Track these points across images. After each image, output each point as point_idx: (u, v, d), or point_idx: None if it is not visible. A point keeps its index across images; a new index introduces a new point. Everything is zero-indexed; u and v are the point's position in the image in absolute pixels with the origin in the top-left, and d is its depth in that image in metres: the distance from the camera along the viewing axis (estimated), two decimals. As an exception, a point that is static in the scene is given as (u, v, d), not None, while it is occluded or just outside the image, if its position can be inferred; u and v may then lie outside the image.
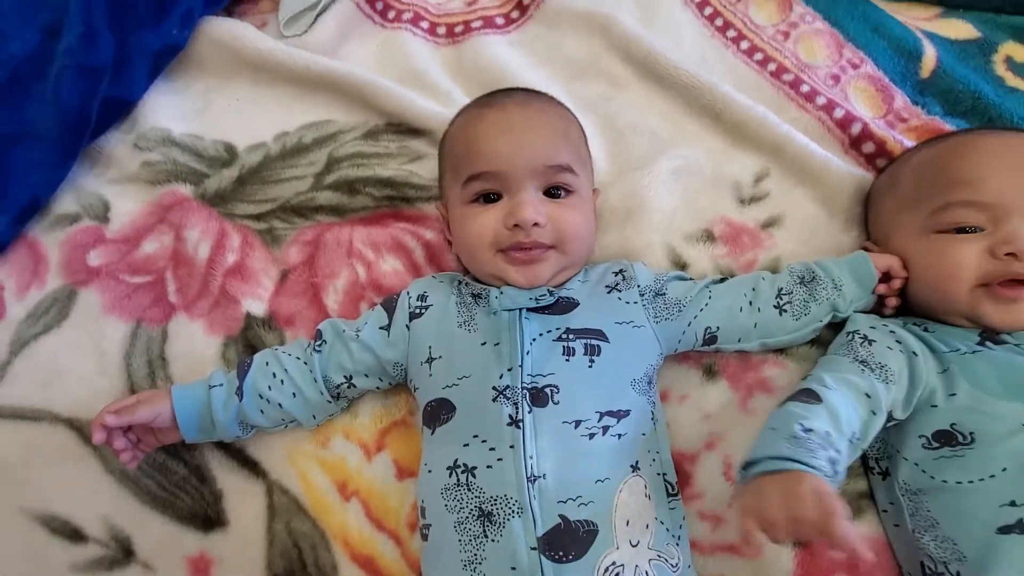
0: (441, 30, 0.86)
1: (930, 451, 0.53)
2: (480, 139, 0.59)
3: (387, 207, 0.72)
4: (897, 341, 0.56)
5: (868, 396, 0.53)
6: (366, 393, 0.63)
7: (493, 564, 0.48)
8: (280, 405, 0.57)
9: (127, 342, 0.66)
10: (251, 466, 0.61)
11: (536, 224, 0.56)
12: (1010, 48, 0.85)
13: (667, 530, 0.53)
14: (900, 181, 0.66)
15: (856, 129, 0.76)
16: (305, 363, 0.59)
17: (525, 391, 0.52)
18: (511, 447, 0.50)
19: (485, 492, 0.49)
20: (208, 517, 0.60)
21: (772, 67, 0.83)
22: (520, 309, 0.56)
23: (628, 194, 0.72)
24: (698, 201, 0.73)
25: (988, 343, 0.54)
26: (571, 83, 0.82)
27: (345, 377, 0.59)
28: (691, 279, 0.65)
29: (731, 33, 0.86)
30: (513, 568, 0.47)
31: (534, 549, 0.47)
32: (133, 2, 0.73)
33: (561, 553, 0.46)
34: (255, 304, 0.67)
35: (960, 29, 0.87)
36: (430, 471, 0.54)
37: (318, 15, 0.82)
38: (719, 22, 0.87)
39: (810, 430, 0.48)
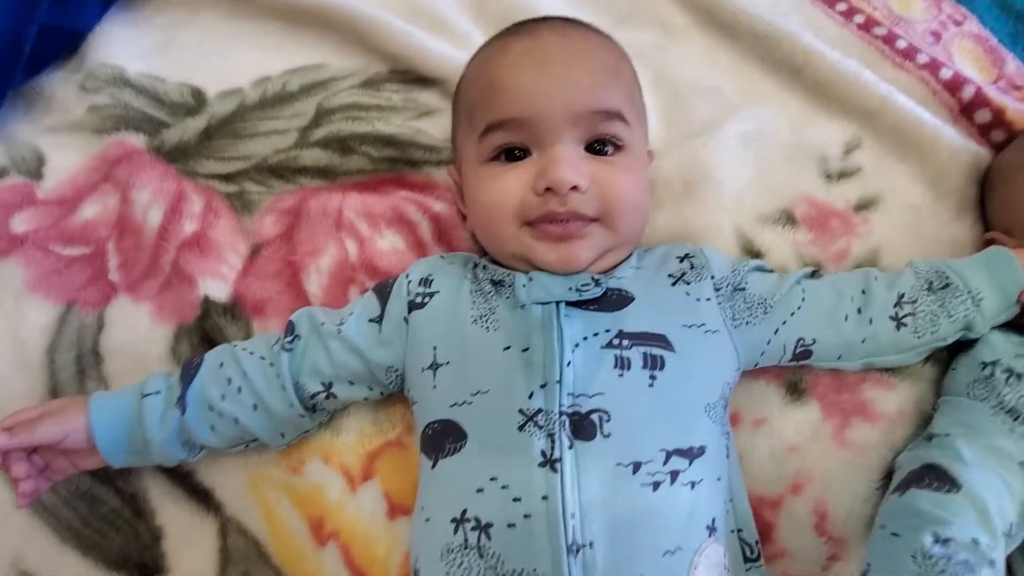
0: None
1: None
2: (503, 75, 0.44)
3: (387, 171, 0.58)
4: None
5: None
6: (352, 405, 0.49)
7: None
8: (236, 420, 0.44)
9: (53, 330, 0.52)
10: (201, 496, 0.47)
11: (575, 188, 0.42)
12: None
13: None
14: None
15: (968, 93, 0.61)
16: (271, 365, 0.45)
17: (564, 417, 0.38)
18: (544, 498, 0.36)
19: (505, 563, 0.35)
20: (143, 562, 0.47)
21: (859, 19, 0.68)
22: (557, 303, 0.42)
23: (687, 164, 0.58)
24: (775, 174, 0.59)
25: None
26: (615, 29, 0.64)
27: (323, 384, 0.45)
28: (774, 272, 0.51)
29: (809, -22, 0.72)
30: None
31: None
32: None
33: None
34: (216, 286, 0.52)
35: (1082, -16, 0.73)
36: (428, 520, 0.40)
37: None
38: (795, -34, 0.73)
39: (948, 541, 0.35)
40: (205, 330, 0.51)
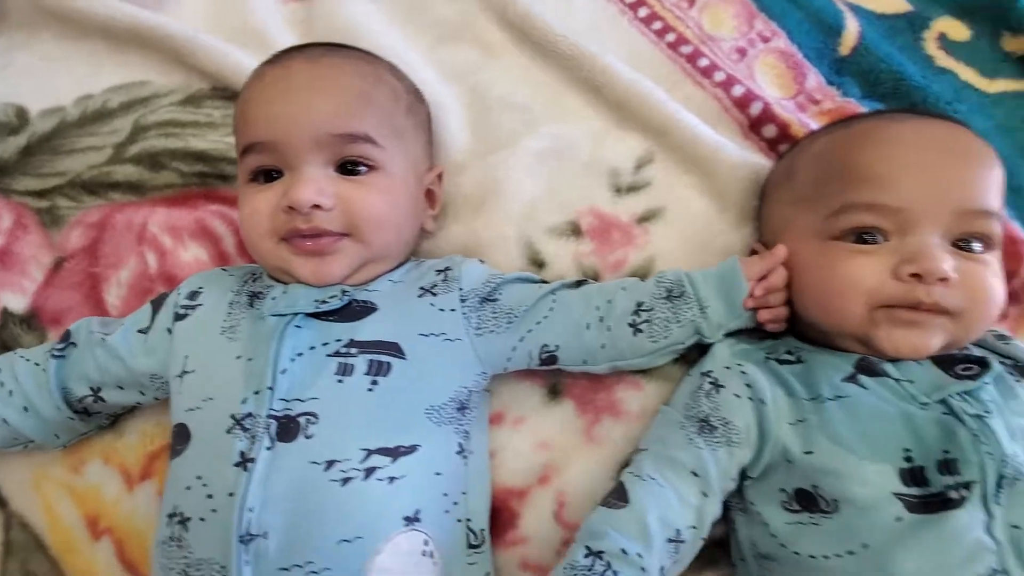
0: (294, -17, 0.75)
1: (790, 513, 0.43)
2: (254, 102, 0.48)
3: (197, 186, 0.61)
4: (747, 385, 0.46)
5: (696, 475, 0.44)
6: (137, 408, 0.52)
7: None
8: (5, 421, 0.47)
9: None
10: (-19, 494, 0.51)
11: (318, 207, 0.45)
12: (945, 24, 0.75)
13: None
14: (797, 172, 0.55)
15: (756, 109, 0.65)
16: (44, 370, 0.48)
17: (272, 420, 0.41)
18: (230, 494, 0.39)
19: (193, 553, 0.39)
20: None
21: (670, 37, 0.72)
22: (294, 315, 0.46)
23: (485, 179, 0.62)
24: (568, 189, 0.63)
25: (862, 375, 0.44)
26: (437, 48, 0.71)
27: (91, 389, 0.48)
28: (539, 281, 0.54)
29: (630, -1, 0.75)
30: None
31: None
32: None
33: None
34: (15, 298, 0.56)
35: (890, 2, 0.77)
36: (161, 516, 0.43)
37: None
38: (618, -15, 0.77)
39: (600, 553, 0.39)
40: (3, 340, 0.55)
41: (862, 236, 0.46)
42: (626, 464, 0.50)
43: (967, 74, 0.71)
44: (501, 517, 0.51)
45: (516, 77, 0.69)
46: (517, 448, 0.53)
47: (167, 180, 0.61)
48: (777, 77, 0.71)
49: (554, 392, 0.54)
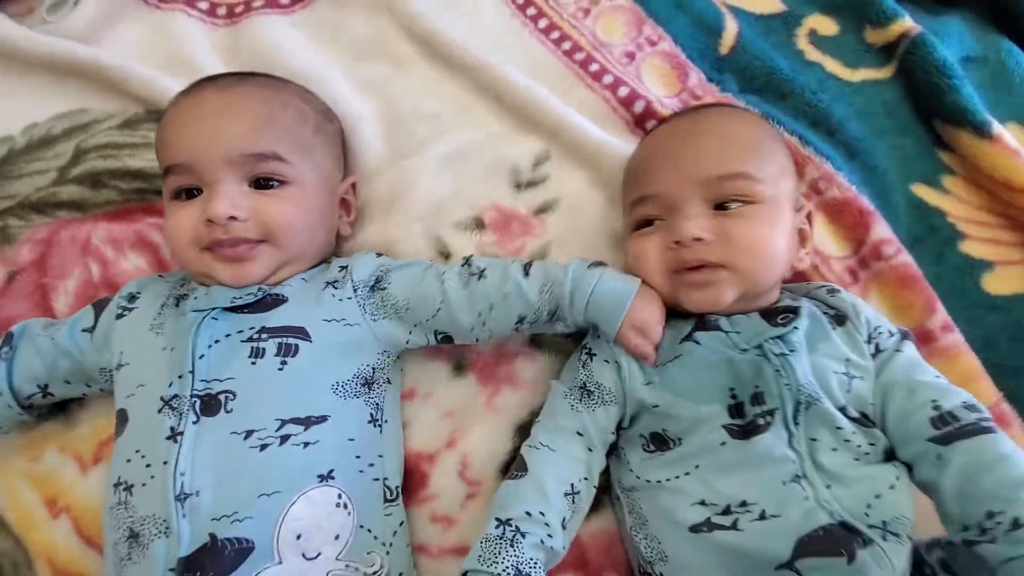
0: (221, 11, 0.81)
1: (646, 452, 0.51)
2: (170, 128, 0.55)
3: (136, 201, 0.68)
4: (612, 351, 0.54)
5: (580, 435, 0.52)
6: (88, 401, 0.59)
7: None
8: None
9: None
10: (-53, 483, 0.57)
11: (234, 218, 0.52)
12: (815, 21, 0.83)
13: (375, 538, 0.50)
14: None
15: (639, 108, 0.73)
16: None
17: (196, 399, 0.48)
18: (165, 463, 0.46)
19: (137, 512, 0.46)
20: None
21: (567, 46, 0.79)
22: (211, 309, 0.52)
23: (396, 182, 0.69)
24: (472, 187, 0.70)
25: (698, 332, 0.52)
26: (355, 65, 0.78)
27: (38, 387, 0.55)
28: (427, 265, 0.59)
29: (531, 11, 0.82)
30: None
31: (172, 570, 0.43)
32: None
33: (199, 574, 0.43)
34: (-28, 309, 0.62)
35: (766, 3, 0.85)
36: (107, 487, 0.50)
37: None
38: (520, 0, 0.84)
39: (509, 520, 0.47)
40: (-37, 347, 0.61)
41: (647, 223, 0.55)
42: (522, 426, 0.58)
43: (832, 65, 0.79)
44: (414, 477, 0.58)
45: (425, 88, 0.76)
46: (426, 418, 0.60)
47: (108, 197, 0.67)
48: (662, 77, 0.78)
49: (459, 368, 0.62)
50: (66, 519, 0.56)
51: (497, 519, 0.47)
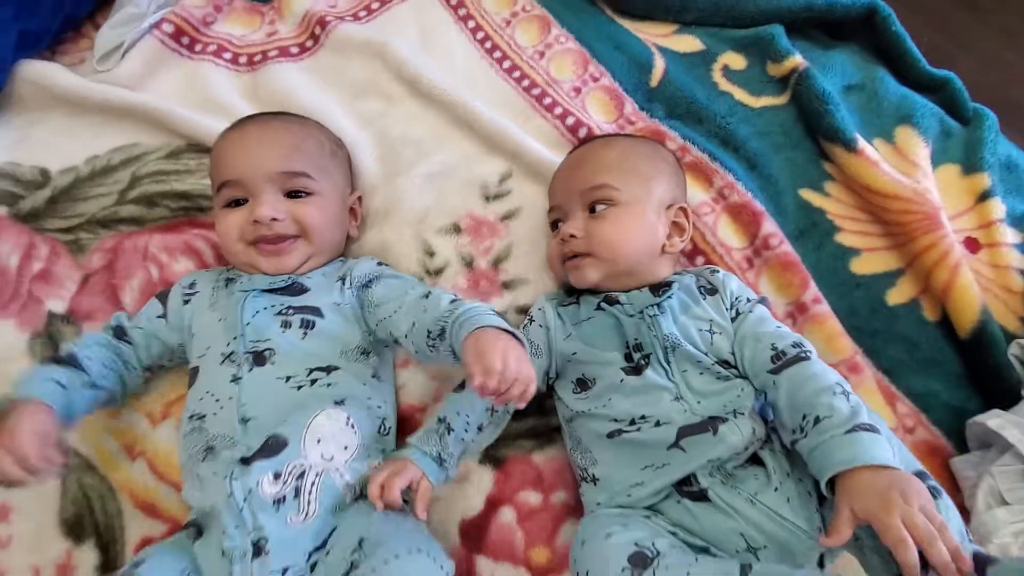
0: (242, 59, 0.99)
1: (575, 394, 0.69)
2: (222, 154, 0.73)
3: (183, 217, 0.85)
4: (544, 318, 0.73)
5: None
6: (155, 372, 0.75)
7: (208, 473, 0.60)
8: (109, 391, 0.68)
9: (-53, 339, 0.77)
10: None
11: (275, 219, 0.70)
12: (728, 57, 1.02)
13: (371, 456, 0.65)
14: None
15: (583, 133, 0.91)
16: (118, 354, 0.69)
17: (248, 354, 0.65)
18: (230, 398, 0.63)
19: (210, 432, 0.62)
20: None
21: (526, 83, 0.98)
22: (253, 290, 0.69)
23: (389, 196, 0.87)
24: (450, 200, 0.88)
25: (604, 304, 0.70)
26: (353, 102, 0.96)
27: (141, 360, 0.71)
28: (414, 284, 0.75)
29: (497, 54, 1.01)
30: (215, 473, 0.60)
31: (234, 464, 0.59)
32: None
33: (248, 461, 0.59)
34: (57, 303, 0.78)
35: (689, 43, 1.04)
36: (183, 419, 0.67)
37: (125, 52, 0.93)
38: (488, 44, 1.02)
39: (443, 419, 0.65)
40: (50, 333, 0.77)
41: (553, 226, 0.77)
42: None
43: (740, 94, 0.98)
44: (409, 424, 0.75)
45: (411, 120, 0.94)
46: (419, 380, 0.77)
47: (160, 214, 0.84)
48: (603, 106, 0.97)
49: (442, 340, 0.79)
50: (141, 461, 0.73)
51: (438, 417, 0.66)
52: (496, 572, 0.69)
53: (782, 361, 0.61)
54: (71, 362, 0.65)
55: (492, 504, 0.71)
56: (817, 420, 0.56)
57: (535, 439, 0.74)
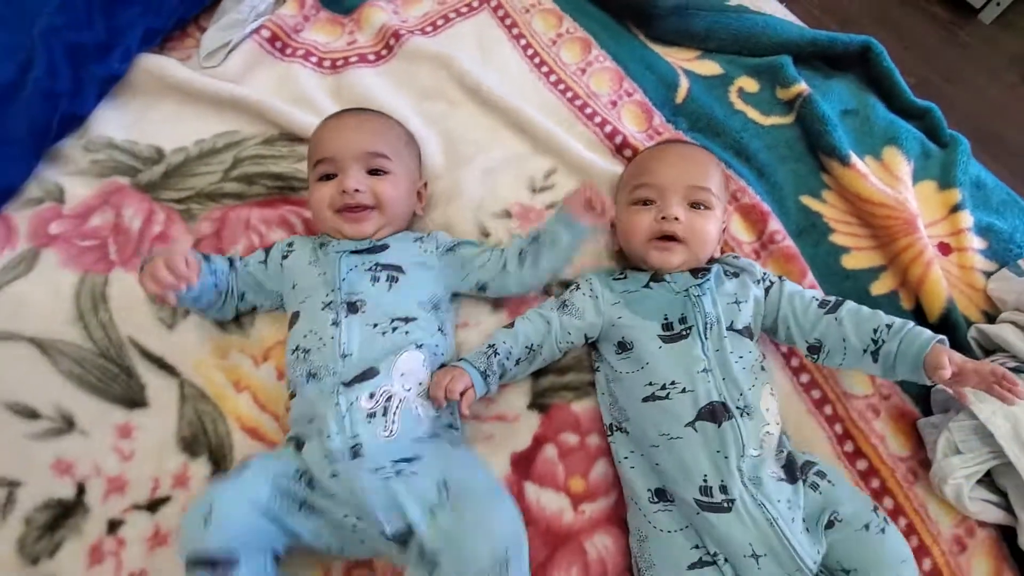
0: (326, 63, 1.14)
1: (617, 355, 0.83)
2: (320, 136, 0.88)
3: (278, 195, 1.00)
4: (591, 288, 0.87)
5: (548, 323, 0.84)
6: (257, 317, 0.90)
7: (313, 392, 0.75)
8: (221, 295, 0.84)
9: (77, 286, 0.90)
10: (168, 369, 0.86)
11: (357, 191, 0.84)
12: (744, 81, 1.18)
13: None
14: (622, 177, 0.98)
15: (619, 140, 1.07)
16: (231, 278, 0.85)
17: (344, 304, 0.79)
18: (332, 338, 0.77)
19: (314, 363, 0.76)
20: (134, 400, 0.84)
21: (570, 95, 1.13)
22: (345, 251, 0.84)
23: (452, 185, 1.02)
24: (502, 190, 1.03)
25: (653, 282, 0.85)
26: (422, 103, 1.11)
27: (242, 293, 0.86)
28: (480, 245, 0.91)
29: (544, 69, 1.17)
30: (320, 391, 0.74)
31: (336, 387, 0.73)
32: (85, 43, 0.99)
33: (348, 384, 0.73)
34: (174, 261, 0.93)
35: (710, 67, 1.20)
36: (287, 354, 0.81)
37: (229, 52, 1.08)
38: (537, 60, 1.18)
39: (491, 345, 0.81)
40: (169, 286, 0.91)
41: (642, 203, 0.87)
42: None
43: (752, 113, 1.14)
44: (468, 374, 0.89)
45: (471, 122, 1.09)
46: (475, 339, 0.91)
47: (258, 191, 0.99)
48: (635, 118, 1.12)
49: (496, 305, 0.94)
50: (247, 394, 0.86)
51: (488, 344, 0.81)
52: (541, 496, 0.83)
53: (831, 304, 0.79)
54: (205, 259, 0.83)
55: (538, 441, 0.85)
56: (889, 327, 0.74)
57: (574, 391, 0.89)
